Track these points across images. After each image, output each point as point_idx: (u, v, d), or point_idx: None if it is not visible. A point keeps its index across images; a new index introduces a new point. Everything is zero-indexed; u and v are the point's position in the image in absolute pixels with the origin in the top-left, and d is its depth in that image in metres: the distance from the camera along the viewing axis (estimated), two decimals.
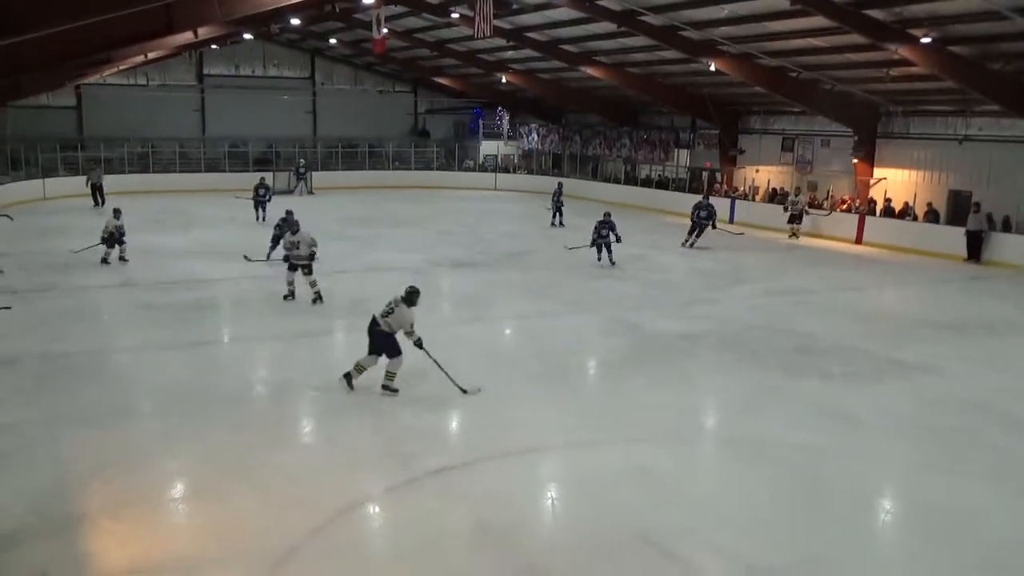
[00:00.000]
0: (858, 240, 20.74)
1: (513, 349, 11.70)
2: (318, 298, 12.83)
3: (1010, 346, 11.75)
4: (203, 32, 20.11)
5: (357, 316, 11.56)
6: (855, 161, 21.97)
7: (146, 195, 26.62)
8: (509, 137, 36.06)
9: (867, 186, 21.66)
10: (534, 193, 29.88)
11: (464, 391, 8.79)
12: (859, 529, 6.36)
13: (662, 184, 28.35)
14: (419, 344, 8.70)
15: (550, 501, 6.85)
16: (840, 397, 9.28)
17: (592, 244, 16.83)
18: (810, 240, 21.08)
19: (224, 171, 30.98)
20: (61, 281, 14.26)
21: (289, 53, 34.22)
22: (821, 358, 10.79)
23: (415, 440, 7.79)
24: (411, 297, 8.78)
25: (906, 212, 20.34)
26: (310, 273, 12.86)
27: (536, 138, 34.69)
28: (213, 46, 30.29)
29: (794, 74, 21.23)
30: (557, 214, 22.53)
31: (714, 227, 19.34)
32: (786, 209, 21.58)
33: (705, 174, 27.25)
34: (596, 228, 16.78)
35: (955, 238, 18.45)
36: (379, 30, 22.70)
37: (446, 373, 8.82)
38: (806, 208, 21.54)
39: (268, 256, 15.72)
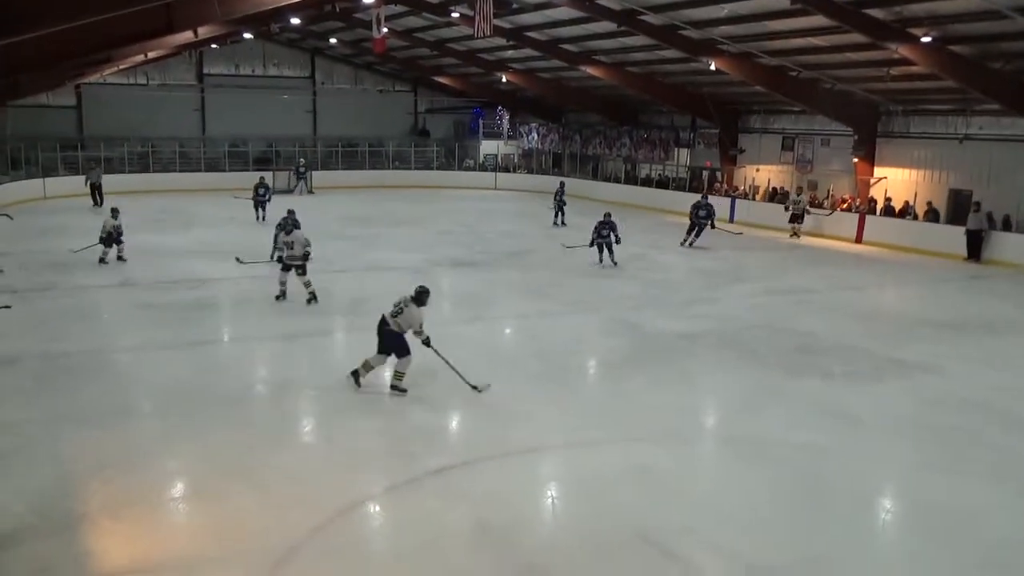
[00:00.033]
0: (858, 239, 20.73)
1: (513, 349, 11.70)
2: (312, 298, 12.75)
3: (1010, 345, 11.75)
4: (203, 31, 20.11)
5: (357, 316, 11.62)
6: (855, 160, 21.97)
7: (146, 195, 26.63)
8: (509, 136, 36.08)
9: (867, 185, 21.66)
10: (534, 192, 29.94)
11: (475, 388, 8.79)
12: (859, 528, 6.36)
13: (662, 183, 28.35)
14: (428, 343, 8.72)
15: (550, 501, 6.85)
16: (840, 396, 9.28)
17: (592, 244, 16.79)
18: (810, 239, 21.06)
19: (224, 171, 30.95)
20: (61, 281, 14.25)
21: (289, 52, 34.23)
22: (821, 357, 10.79)
23: (415, 440, 7.79)
24: (421, 297, 8.80)
25: (906, 211, 20.34)
26: (304, 273, 12.77)
27: (536, 137, 34.70)
28: (213, 45, 30.30)
29: (794, 73, 21.23)
30: (559, 213, 22.52)
31: (713, 227, 19.34)
32: (787, 209, 21.55)
33: (705, 173, 27.24)
34: (596, 228, 16.72)
35: (955, 237, 18.45)
36: (379, 29, 22.72)
37: (457, 371, 8.82)
38: (808, 208, 21.53)
39: (271, 256, 15.57)
